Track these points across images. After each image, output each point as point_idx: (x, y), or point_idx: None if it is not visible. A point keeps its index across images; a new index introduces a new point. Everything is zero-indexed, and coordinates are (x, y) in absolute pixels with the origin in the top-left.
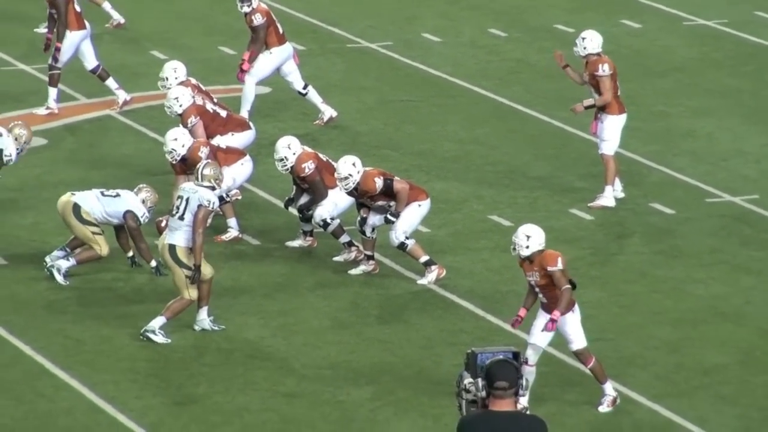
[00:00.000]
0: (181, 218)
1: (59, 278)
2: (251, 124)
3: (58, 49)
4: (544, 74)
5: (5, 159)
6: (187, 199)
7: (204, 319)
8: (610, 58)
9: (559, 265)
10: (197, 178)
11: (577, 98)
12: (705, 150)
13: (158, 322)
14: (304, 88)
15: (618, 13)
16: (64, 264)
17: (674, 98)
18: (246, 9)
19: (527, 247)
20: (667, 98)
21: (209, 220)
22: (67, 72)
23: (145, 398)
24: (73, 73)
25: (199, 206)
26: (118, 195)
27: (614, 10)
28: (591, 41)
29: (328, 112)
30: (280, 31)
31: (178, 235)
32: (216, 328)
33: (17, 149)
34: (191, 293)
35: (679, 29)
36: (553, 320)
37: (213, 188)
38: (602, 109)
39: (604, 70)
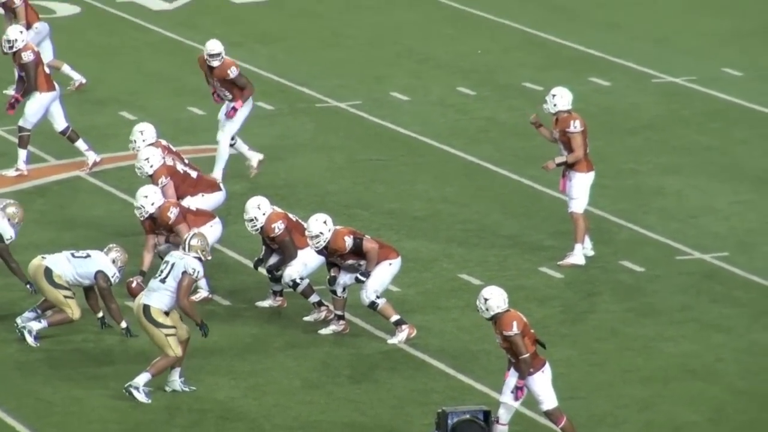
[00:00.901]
0: (163, 281)
1: (30, 340)
2: (222, 185)
3: (17, 100)
4: (513, 132)
5: (6, 241)
6: (173, 265)
7: (175, 380)
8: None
9: (514, 330)
10: (184, 249)
11: (547, 156)
12: (674, 207)
13: (143, 378)
14: (232, 138)
15: (587, 70)
16: (36, 326)
17: (643, 156)
18: (215, 63)
19: (486, 309)
20: (636, 156)
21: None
22: (37, 133)
23: None
24: (43, 134)
25: (184, 273)
26: (88, 256)
27: (583, 68)
28: (561, 98)
29: (255, 157)
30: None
31: (155, 297)
32: (187, 389)
33: (14, 228)
34: (175, 350)
35: (648, 87)
36: (518, 388)
37: (200, 259)
38: (571, 166)
39: (576, 126)
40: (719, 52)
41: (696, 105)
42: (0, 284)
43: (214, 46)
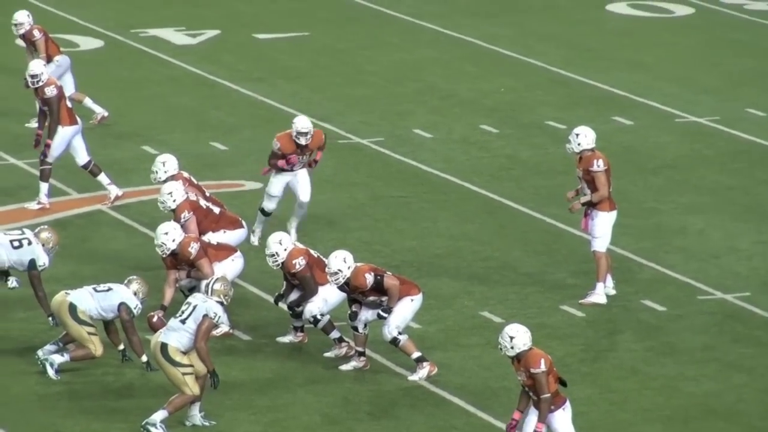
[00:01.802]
0: (183, 322)
1: (51, 373)
2: (243, 222)
3: (48, 146)
4: (535, 171)
5: (40, 268)
6: (195, 307)
7: (195, 414)
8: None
9: (542, 367)
10: (206, 292)
11: None
12: (696, 247)
13: (160, 415)
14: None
15: (610, 110)
16: (58, 359)
17: (666, 195)
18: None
19: (512, 347)
20: (658, 195)
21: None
22: (59, 167)
23: None
24: (65, 168)
25: (205, 316)
26: (110, 289)
27: (606, 107)
28: (585, 137)
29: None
30: None
31: (173, 336)
32: (207, 423)
33: (47, 254)
34: (192, 389)
35: (671, 126)
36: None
37: (222, 303)
38: (594, 205)
39: (599, 165)
40: (743, 92)
41: (719, 145)
42: (22, 316)
43: (305, 123)
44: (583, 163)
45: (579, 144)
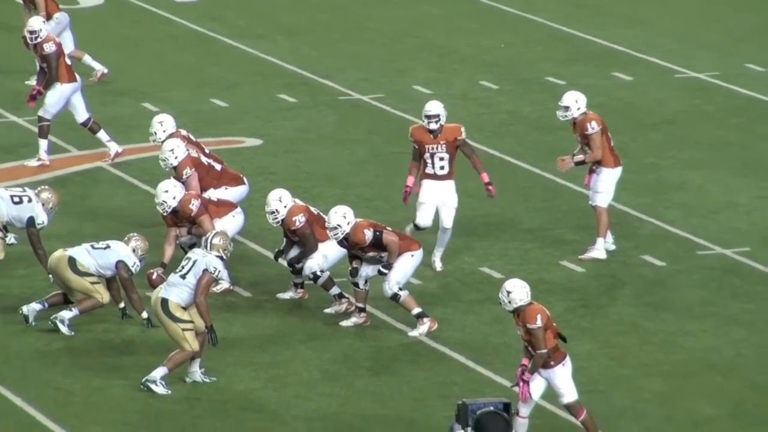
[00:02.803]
0: (183, 277)
1: (64, 329)
2: (245, 179)
3: (39, 92)
4: (536, 126)
5: (38, 226)
6: (195, 262)
7: (195, 371)
8: (601, 111)
9: (538, 323)
10: (206, 247)
11: (569, 150)
12: (696, 202)
13: (160, 372)
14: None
15: (609, 65)
16: (67, 314)
17: (665, 151)
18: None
19: (509, 302)
20: (658, 151)
21: (212, 287)
22: (59, 124)
23: None
24: (65, 125)
25: (205, 271)
26: (108, 246)
27: (606, 63)
28: (574, 105)
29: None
30: None
31: (173, 292)
32: (207, 380)
33: (47, 214)
34: (192, 345)
35: (671, 82)
36: (524, 381)
37: (221, 258)
38: (598, 162)
39: (593, 127)
40: (742, 48)
41: (718, 100)
42: (22, 273)
43: (431, 106)
44: (578, 128)
45: (569, 115)
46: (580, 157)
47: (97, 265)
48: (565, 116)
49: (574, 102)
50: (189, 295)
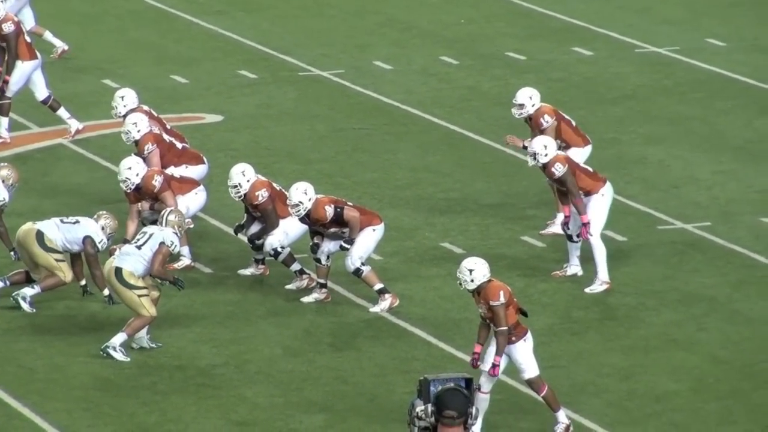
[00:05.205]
0: (139, 248)
1: (25, 306)
2: (205, 159)
3: (6, 81)
4: (496, 102)
5: (0, 204)
6: (151, 235)
7: (142, 336)
8: (561, 87)
9: (501, 299)
10: (161, 224)
11: (527, 128)
12: (656, 177)
13: (119, 338)
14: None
15: (569, 40)
16: (29, 291)
17: (626, 125)
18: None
19: (472, 280)
20: (618, 125)
21: (174, 265)
22: (19, 101)
23: (98, 427)
24: (25, 102)
25: (161, 244)
26: (77, 222)
27: (565, 38)
28: (531, 100)
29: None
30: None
31: (128, 260)
32: (154, 345)
33: (8, 191)
34: (150, 310)
35: (631, 56)
36: (494, 365)
37: (176, 234)
38: (568, 145)
39: (547, 120)
40: (702, 23)
41: (678, 75)
42: None
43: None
44: (534, 123)
45: (524, 112)
46: (527, 141)
47: (65, 240)
48: (521, 113)
49: (529, 99)
50: (143, 266)
